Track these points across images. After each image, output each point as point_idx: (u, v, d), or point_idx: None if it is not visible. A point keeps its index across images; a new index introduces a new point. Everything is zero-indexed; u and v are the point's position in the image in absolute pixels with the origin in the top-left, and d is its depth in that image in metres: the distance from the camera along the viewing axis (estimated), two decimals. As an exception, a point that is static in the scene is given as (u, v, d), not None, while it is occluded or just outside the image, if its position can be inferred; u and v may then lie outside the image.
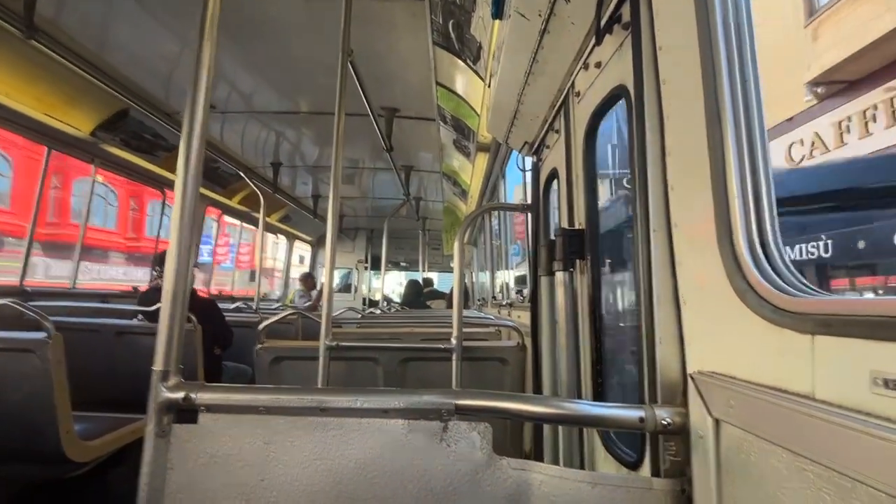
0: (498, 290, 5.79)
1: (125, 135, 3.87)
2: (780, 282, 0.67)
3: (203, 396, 0.89)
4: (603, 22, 1.18)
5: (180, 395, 0.89)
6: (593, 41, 1.28)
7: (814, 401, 0.56)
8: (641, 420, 0.81)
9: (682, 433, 0.81)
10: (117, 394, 2.72)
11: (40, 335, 1.98)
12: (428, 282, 8.98)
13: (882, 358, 0.49)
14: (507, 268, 5.61)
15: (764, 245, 0.71)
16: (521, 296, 4.74)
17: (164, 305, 0.92)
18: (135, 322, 3.14)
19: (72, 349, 2.08)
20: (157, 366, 0.90)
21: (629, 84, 1.08)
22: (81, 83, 3.12)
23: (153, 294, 3.26)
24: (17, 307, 2.09)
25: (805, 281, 0.67)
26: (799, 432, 0.56)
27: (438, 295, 8.26)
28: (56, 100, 3.21)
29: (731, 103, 0.76)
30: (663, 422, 0.81)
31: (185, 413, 0.91)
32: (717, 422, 0.73)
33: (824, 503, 0.52)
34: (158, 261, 3.47)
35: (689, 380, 0.81)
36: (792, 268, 0.69)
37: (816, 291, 0.64)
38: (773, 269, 0.69)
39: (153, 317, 3.04)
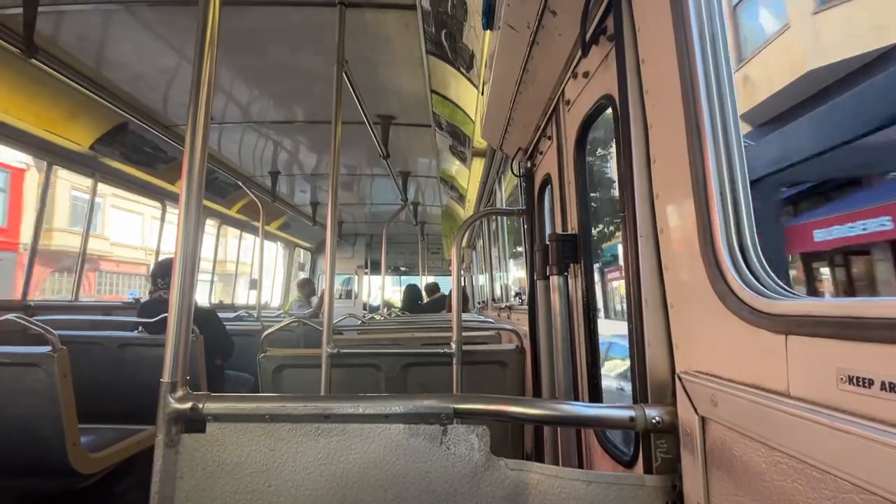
0: (497, 293, 5.83)
1: (125, 148, 3.91)
2: (757, 284, 0.71)
3: (210, 406, 0.92)
4: (588, 34, 1.22)
5: (188, 405, 0.92)
6: (580, 52, 1.32)
7: (788, 398, 0.59)
8: (632, 419, 0.85)
9: (672, 431, 0.84)
10: (122, 405, 2.75)
11: (45, 349, 2.01)
12: (433, 288, 8.30)
13: (847, 356, 0.52)
14: (505, 271, 5.65)
15: (743, 249, 0.75)
16: (520, 299, 4.77)
17: (171, 318, 0.95)
18: (137, 334, 3.17)
19: (76, 362, 2.11)
20: (166, 377, 0.93)
21: (615, 94, 1.12)
22: (80, 98, 3.16)
23: (154, 305, 3.29)
24: (23, 322, 2.12)
25: (781, 283, 0.70)
26: (775, 428, 0.59)
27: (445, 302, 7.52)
28: (55, 115, 3.25)
29: (708, 113, 0.80)
30: (653, 420, 0.84)
31: (193, 423, 0.94)
32: (703, 419, 0.77)
33: (797, 494, 0.56)
34: (158, 273, 3.49)
35: (677, 379, 0.84)
36: (769, 270, 0.73)
37: (790, 293, 0.68)
38: (752, 272, 0.73)
39: (154, 328, 3.06)
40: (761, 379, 0.64)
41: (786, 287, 0.70)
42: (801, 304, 0.61)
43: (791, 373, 0.59)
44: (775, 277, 0.72)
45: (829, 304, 0.57)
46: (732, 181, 0.77)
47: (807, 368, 0.57)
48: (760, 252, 0.74)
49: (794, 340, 0.59)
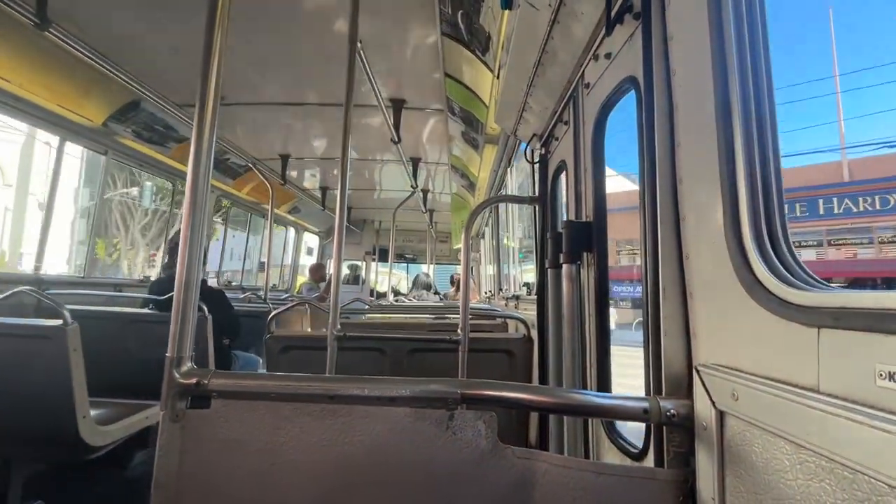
0: (505, 282, 5.80)
1: (137, 126, 3.91)
2: (787, 275, 0.67)
3: (215, 382, 0.91)
4: (613, 12, 1.17)
5: (193, 380, 0.91)
6: (603, 31, 1.26)
7: (818, 393, 0.56)
8: (646, 411, 0.82)
9: (687, 424, 0.82)
10: (131, 380, 2.78)
11: (58, 322, 2.03)
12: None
13: (888, 351, 0.49)
14: (514, 261, 5.61)
15: (772, 238, 0.71)
16: (528, 288, 4.74)
17: (177, 293, 0.94)
18: (147, 311, 3.20)
19: (87, 337, 2.13)
20: (171, 352, 0.92)
21: (639, 75, 1.07)
22: (93, 74, 3.15)
23: (164, 283, 3.31)
24: (36, 295, 2.14)
25: (812, 274, 0.67)
26: (802, 425, 0.56)
27: None
28: (68, 90, 3.25)
29: (741, 95, 0.75)
30: (668, 413, 0.81)
31: (198, 399, 0.93)
32: (721, 413, 0.74)
33: (825, 494, 0.53)
34: (171, 249, 3.51)
35: (695, 372, 0.81)
36: (800, 261, 0.69)
37: (823, 285, 0.64)
38: (781, 261, 0.69)
39: (164, 306, 3.09)
40: (788, 373, 0.61)
41: (817, 278, 0.66)
42: (836, 296, 0.57)
43: (822, 367, 0.56)
44: (806, 267, 0.68)
45: (866, 296, 0.54)
46: (764, 165, 0.73)
47: (840, 363, 0.54)
48: (791, 240, 0.70)
49: (826, 334, 0.56)
